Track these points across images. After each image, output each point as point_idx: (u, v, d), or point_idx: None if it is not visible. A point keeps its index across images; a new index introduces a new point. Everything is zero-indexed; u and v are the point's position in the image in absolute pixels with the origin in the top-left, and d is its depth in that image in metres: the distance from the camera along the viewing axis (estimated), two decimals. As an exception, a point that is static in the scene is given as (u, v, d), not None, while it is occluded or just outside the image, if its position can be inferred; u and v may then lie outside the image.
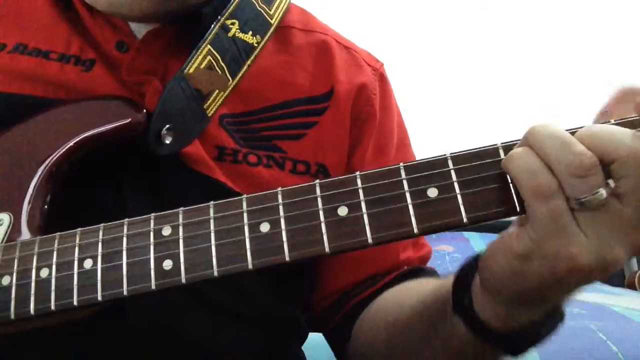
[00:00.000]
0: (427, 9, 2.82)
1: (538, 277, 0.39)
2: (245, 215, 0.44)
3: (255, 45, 0.64)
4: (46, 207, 0.52)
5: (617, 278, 2.55)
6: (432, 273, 0.68)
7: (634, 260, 2.60)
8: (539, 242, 0.38)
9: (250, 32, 0.64)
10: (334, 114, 0.66)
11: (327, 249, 0.42)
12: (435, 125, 2.41)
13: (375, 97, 0.70)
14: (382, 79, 0.73)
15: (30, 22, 0.61)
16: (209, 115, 0.60)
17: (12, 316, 0.45)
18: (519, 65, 2.73)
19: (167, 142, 0.55)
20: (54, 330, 0.50)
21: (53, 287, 0.45)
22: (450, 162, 0.42)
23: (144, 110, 0.55)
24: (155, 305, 0.55)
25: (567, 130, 0.40)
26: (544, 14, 2.81)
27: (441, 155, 0.42)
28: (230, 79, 0.62)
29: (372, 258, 0.65)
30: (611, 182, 0.38)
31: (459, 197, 0.41)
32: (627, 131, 0.38)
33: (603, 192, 0.37)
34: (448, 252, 2.16)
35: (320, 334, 0.74)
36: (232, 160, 0.60)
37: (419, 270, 0.68)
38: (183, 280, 0.43)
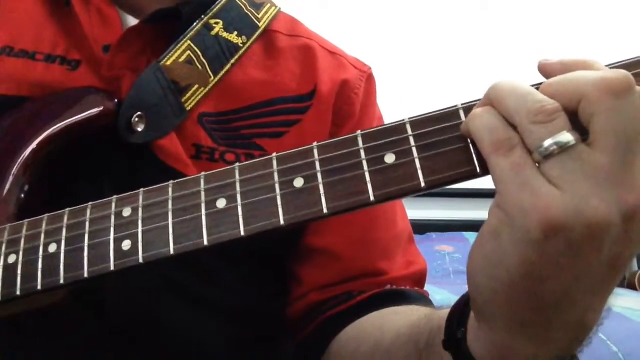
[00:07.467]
0: (427, 11, 2.82)
1: (515, 258, 0.33)
2: (202, 192, 0.43)
3: (241, 45, 0.65)
4: (22, 196, 0.53)
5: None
6: (425, 300, 0.62)
7: (634, 260, 2.51)
8: (504, 203, 0.33)
9: (236, 32, 0.65)
10: (317, 112, 0.65)
11: (282, 221, 0.40)
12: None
13: (357, 97, 0.68)
14: (369, 81, 0.71)
15: (17, 22, 0.62)
16: (187, 109, 0.60)
17: None
18: (520, 68, 2.68)
19: (139, 129, 0.55)
20: (29, 327, 0.50)
21: (19, 272, 0.45)
22: (408, 127, 0.40)
23: (116, 100, 0.55)
24: (136, 300, 0.54)
25: (533, 84, 0.36)
26: (545, 19, 2.77)
27: (399, 121, 0.41)
28: (211, 75, 0.62)
29: (342, 259, 0.63)
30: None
31: (416, 161, 0.39)
32: (594, 72, 0.34)
33: (567, 134, 0.32)
34: (448, 252, 2.10)
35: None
36: (208, 159, 0.60)
37: (408, 294, 0.62)
38: (140, 260, 0.42)
